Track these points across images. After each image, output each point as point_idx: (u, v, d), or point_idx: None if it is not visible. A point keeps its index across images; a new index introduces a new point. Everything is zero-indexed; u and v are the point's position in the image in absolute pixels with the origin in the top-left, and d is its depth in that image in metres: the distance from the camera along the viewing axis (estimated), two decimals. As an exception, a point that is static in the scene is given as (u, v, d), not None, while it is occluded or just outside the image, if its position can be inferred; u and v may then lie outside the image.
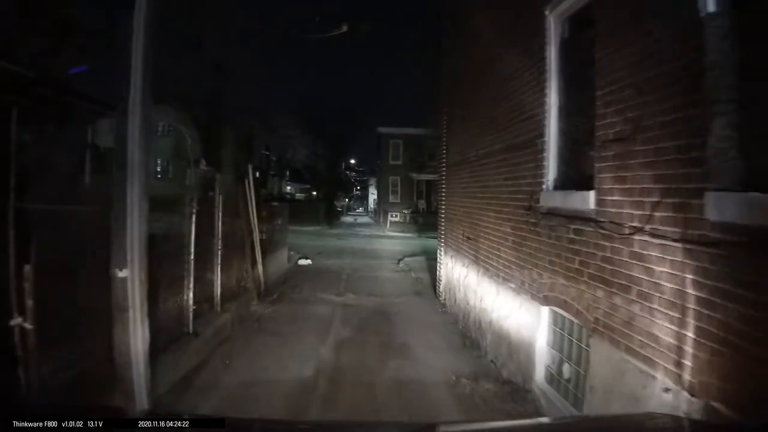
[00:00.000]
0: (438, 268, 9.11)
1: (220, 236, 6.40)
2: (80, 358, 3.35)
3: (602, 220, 3.32)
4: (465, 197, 7.33)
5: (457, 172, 8.02)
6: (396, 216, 32.60)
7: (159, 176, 34.00)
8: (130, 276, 3.31)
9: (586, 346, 3.64)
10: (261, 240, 9.45)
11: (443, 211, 8.95)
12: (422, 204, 33.52)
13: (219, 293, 6.33)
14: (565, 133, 4.39)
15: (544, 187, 4.45)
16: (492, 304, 5.74)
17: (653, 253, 2.76)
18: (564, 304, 4.07)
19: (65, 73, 7.96)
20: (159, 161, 33.87)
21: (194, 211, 5.28)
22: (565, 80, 4.32)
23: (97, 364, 3.45)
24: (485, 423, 3.20)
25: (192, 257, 5.28)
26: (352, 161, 53.57)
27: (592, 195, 3.46)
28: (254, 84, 13.15)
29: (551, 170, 4.44)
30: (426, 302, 8.79)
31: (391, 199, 34.66)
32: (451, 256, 8.12)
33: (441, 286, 8.78)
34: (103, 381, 3.41)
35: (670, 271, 2.61)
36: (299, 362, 5.27)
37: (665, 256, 2.66)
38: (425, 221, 31.58)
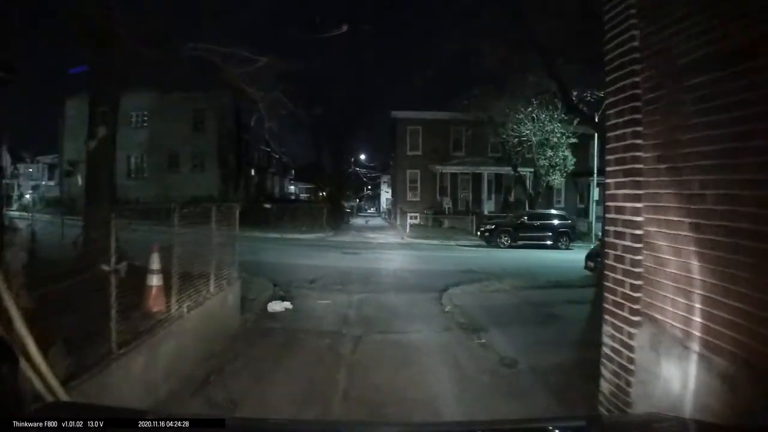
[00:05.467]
0: (614, 377, 3.23)
1: None
2: None
3: None
4: None
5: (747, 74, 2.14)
6: (415, 217, 26.69)
7: (132, 176, 28.55)
8: None
9: None
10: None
11: (640, 211, 3.10)
12: (447, 202, 27.52)
13: None
14: None
15: None
16: None
17: None
18: None
19: None
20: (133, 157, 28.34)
21: None
22: None
23: None
24: (487, 423, 2.89)
25: None
26: (362, 157, 47.71)
27: None
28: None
29: None
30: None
31: (410, 197, 28.70)
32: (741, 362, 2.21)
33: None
34: None
35: None
36: None
37: None
38: (452, 224, 25.75)
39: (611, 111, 3.53)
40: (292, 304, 7.44)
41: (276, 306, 7.21)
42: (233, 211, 6.07)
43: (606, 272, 3.53)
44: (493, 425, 2.37)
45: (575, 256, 15.45)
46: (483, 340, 5.83)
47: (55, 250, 8.25)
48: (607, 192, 3.58)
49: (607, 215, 3.54)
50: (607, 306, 3.48)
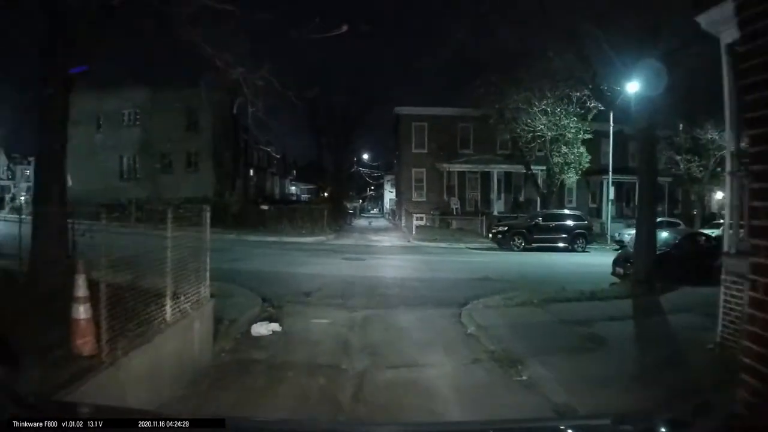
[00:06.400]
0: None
1: None
2: None
3: None
4: None
5: None
6: (421, 219, 25.38)
7: (125, 177, 27.28)
8: None
9: None
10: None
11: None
12: (455, 202, 26.18)
13: None
14: None
15: None
16: None
17: None
18: None
19: None
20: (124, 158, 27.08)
21: None
22: None
23: None
24: (490, 422, 2.73)
25: None
26: (365, 156, 46.36)
27: None
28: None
29: None
30: None
31: (415, 197, 27.35)
32: None
33: None
34: None
35: None
36: None
37: None
38: (460, 225, 24.43)
39: (747, 63, 2.22)
40: (281, 324, 6.15)
41: (261, 329, 5.92)
42: (202, 215, 4.78)
43: (751, 310, 2.23)
44: (499, 425, 2.29)
45: (595, 260, 14.20)
46: (524, 377, 4.53)
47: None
48: (752, 186, 2.27)
49: (754, 222, 2.24)
50: (748, 361, 2.18)
